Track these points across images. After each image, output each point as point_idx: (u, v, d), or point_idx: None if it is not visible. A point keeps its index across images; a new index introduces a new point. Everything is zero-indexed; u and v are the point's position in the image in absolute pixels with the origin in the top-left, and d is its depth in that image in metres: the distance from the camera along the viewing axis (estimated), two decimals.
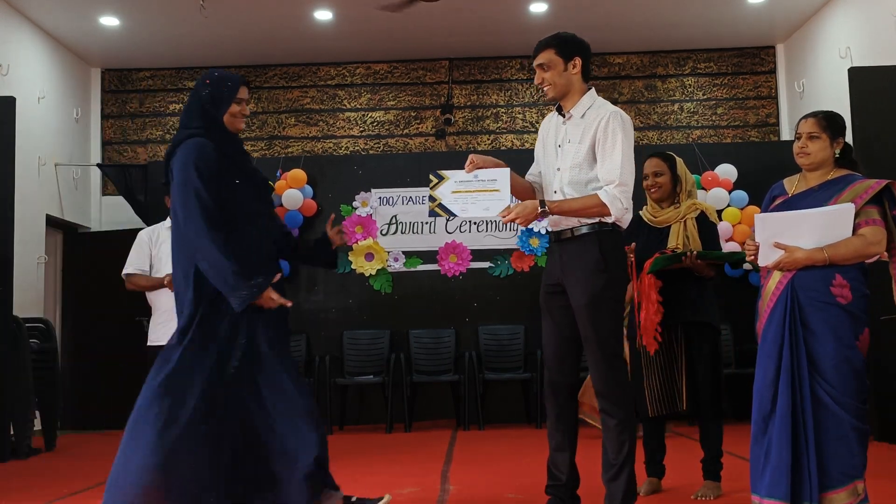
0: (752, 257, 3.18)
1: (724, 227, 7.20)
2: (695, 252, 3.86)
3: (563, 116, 3.37)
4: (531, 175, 3.53)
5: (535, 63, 3.33)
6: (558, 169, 3.33)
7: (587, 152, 3.25)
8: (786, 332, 3.06)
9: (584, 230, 3.23)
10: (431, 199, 3.24)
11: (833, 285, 3.03)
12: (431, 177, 3.27)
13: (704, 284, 4.01)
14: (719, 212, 7.34)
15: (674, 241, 3.96)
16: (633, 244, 3.93)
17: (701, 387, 3.94)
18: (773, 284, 3.14)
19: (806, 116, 3.27)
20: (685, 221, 4.01)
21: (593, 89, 3.37)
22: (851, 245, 3.03)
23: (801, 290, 3.06)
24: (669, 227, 4.02)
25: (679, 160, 4.12)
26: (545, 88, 3.34)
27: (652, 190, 4.07)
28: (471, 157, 3.29)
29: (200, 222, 2.98)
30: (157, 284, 4.82)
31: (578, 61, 3.29)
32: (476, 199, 3.21)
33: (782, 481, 2.97)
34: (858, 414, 3.00)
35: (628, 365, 3.71)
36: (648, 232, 4.04)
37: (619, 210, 3.16)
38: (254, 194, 3.22)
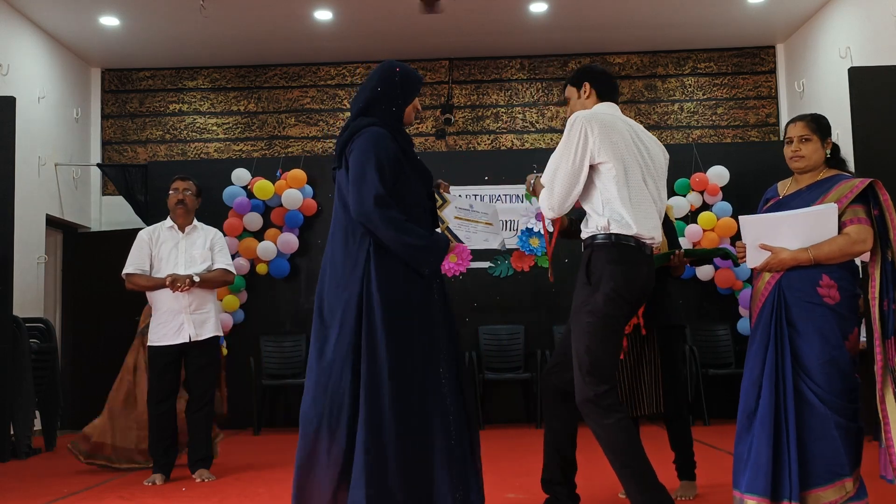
0: (743, 259, 3.21)
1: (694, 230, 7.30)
2: (682, 251, 3.88)
3: None
4: None
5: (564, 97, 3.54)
6: None
7: None
8: (772, 331, 3.08)
9: (586, 242, 3.22)
10: (441, 220, 3.28)
11: (820, 286, 3.05)
12: (437, 196, 3.30)
13: (670, 285, 4.04)
14: (695, 213, 7.42)
15: None
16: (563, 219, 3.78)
17: (677, 388, 3.94)
18: (762, 285, 3.18)
19: (794, 120, 3.28)
20: None
21: (604, 104, 3.34)
22: (836, 244, 3.04)
23: (789, 291, 3.09)
24: None
25: None
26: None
27: None
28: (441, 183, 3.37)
29: (375, 208, 2.96)
30: (159, 285, 4.82)
31: (587, 86, 3.37)
32: (476, 230, 3.31)
33: (761, 477, 2.99)
34: (846, 412, 3.01)
35: None
36: None
37: (546, 211, 3.23)
38: (419, 186, 3.20)
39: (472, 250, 3.31)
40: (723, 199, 7.51)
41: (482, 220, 3.32)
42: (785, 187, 3.31)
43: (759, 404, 3.07)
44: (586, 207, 3.23)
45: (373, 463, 2.84)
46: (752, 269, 3.26)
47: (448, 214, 3.25)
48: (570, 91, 3.45)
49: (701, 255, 4.01)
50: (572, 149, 3.14)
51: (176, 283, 4.74)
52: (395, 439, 2.85)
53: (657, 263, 3.81)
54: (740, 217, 3.21)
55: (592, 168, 3.15)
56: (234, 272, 5.15)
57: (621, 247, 3.13)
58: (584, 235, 3.25)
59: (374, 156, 3.00)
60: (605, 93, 3.37)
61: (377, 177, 2.97)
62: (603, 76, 3.40)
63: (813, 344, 3.02)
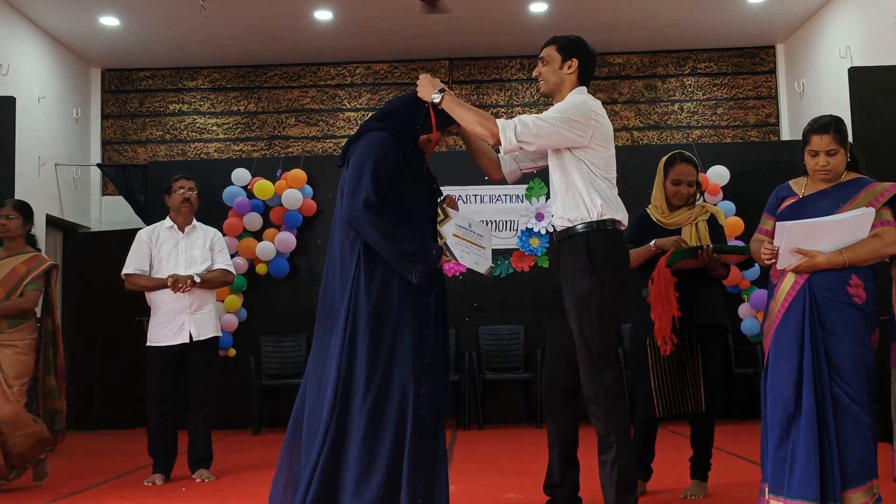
0: (772, 262, 3.17)
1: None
2: (711, 246, 3.84)
3: None
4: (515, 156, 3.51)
5: (539, 56, 3.38)
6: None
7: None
8: (805, 332, 3.06)
9: (578, 229, 3.22)
10: (439, 235, 3.26)
11: (850, 285, 3.06)
12: (439, 211, 3.29)
13: (715, 285, 4.01)
14: None
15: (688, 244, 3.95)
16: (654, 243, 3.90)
17: (713, 389, 3.93)
18: (787, 285, 3.15)
19: (818, 132, 3.18)
20: (697, 224, 4.00)
21: (582, 88, 3.34)
22: (870, 246, 3.06)
23: (819, 291, 3.08)
24: (680, 228, 4.02)
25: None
26: (539, 82, 3.38)
27: (679, 196, 4.03)
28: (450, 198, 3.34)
29: (364, 211, 2.99)
30: (160, 285, 4.81)
31: (575, 63, 3.29)
32: (469, 250, 3.27)
33: (813, 482, 2.97)
34: (872, 413, 3.03)
35: (623, 365, 3.68)
36: (658, 233, 4.01)
37: (508, 139, 3.11)
38: (420, 194, 3.19)
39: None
40: (723, 199, 7.51)
41: (477, 241, 3.29)
42: (801, 186, 3.28)
43: (800, 407, 3.04)
44: (577, 192, 3.21)
45: (331, 460, 2.91)
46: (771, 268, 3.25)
47: (447, 230, 3.23)
48: (553, 56, 3.32)
49: (733, 252, 3.94)
50: (577, 126, 3.15)
51: (178, 283, 4.74)
52: (361, 440, 2.90)
53: (684, 257, 3.80)
54: (784, 224, 3.13)
55: (587, 153, 3.20)
56: (234, 272, 5.15)
57: (614, 232, 3.23)
58: (567, 224, 3.24)
59: (372, 160, 3.03)
60: (587, 77, 3.35)
61: (371, 181, 3.00)
62: (593, 61, 3.37)
63: (844, 344, 3.03)
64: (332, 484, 2.91)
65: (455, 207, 3.31)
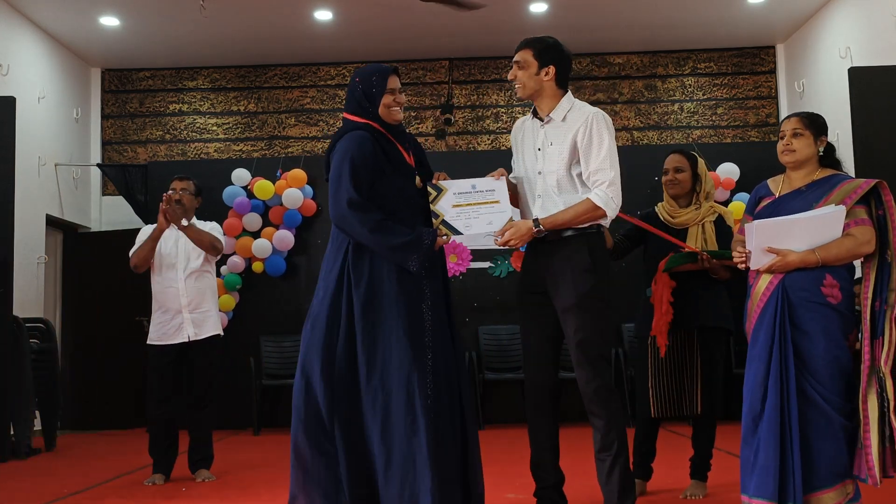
0: (744, 265, 3.17)
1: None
2: (707, 253, 3.82)
3: (541, 120, 3.36)
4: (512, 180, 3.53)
5: (513, 59, 3.34)
6: (540, 173, 3.32)
7: (570, 153, 3.25)
8: (776, 332, 3.06)
9: (571, 232, 3.25)
10: (434, 215, 3.20)
11: (824, 285, 3.05)
12: (430, 189, 3.21)
13: (719, 287, 4.00)
14: None
15: (691, 244, 3.93)
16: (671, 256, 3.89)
17: (712, 391, 3.93)
18: (762, 286, 3.14)
19: (788, 116, 3.29)
20: (703, 224, 3.99)
21: (570, 93, 3.36)
22: (843, 246, 3.04)
23: (792, 291, 3.07)
24: (686, 228, 4.00)
25: (701, 160, 4.11)
26: (516, 87, 3.37)
27: (671, 184, 4.04)
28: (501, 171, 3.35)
29: (349, 211, 3.00)
30: (156, 237, 4.77)
31: (552, 70, 3.28)
32: (478, 213, 3.18)
33: (769, 481, 2.98)
34: (847, 413, 3.01)
35: (624, 365, 3.70)
36: (665, 232, 3.99)
37: (614, 210, 3.21)
38: (408, 187, 3.15)
39: (472, 251, 3.30)
40: (737, 193, 7.50)
41: (487, 199, 3.19)
42: (778, 185, 3.29)
43: (764, 407, 3.05)
44: (577, 194, 3.26)
45: (349, 464, 2.96)
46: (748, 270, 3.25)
47: (444, 206, 3.17)
48: (530, 61, 3.28)
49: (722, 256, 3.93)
50: (614, 143, 3.26)
51: (168, 201, 4.68)
52: (380, 439, 2.93)
53: (681, 262, 3.80)
54: (747, 224, 3.15)
55: None
56: (223, 244, 5.05)
57: (604, 237, 3.37)
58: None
59: (349, 160, 3.04)
60: (565, 80, 3.35)
61: (351, 181, 3.01)
62: (569, 64, 3.37)
63: (818, 344, 3.02)
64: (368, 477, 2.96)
65: (444, 179, 3.24)
